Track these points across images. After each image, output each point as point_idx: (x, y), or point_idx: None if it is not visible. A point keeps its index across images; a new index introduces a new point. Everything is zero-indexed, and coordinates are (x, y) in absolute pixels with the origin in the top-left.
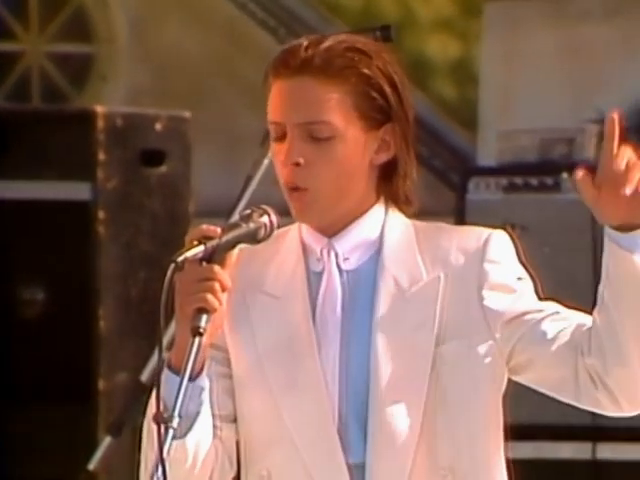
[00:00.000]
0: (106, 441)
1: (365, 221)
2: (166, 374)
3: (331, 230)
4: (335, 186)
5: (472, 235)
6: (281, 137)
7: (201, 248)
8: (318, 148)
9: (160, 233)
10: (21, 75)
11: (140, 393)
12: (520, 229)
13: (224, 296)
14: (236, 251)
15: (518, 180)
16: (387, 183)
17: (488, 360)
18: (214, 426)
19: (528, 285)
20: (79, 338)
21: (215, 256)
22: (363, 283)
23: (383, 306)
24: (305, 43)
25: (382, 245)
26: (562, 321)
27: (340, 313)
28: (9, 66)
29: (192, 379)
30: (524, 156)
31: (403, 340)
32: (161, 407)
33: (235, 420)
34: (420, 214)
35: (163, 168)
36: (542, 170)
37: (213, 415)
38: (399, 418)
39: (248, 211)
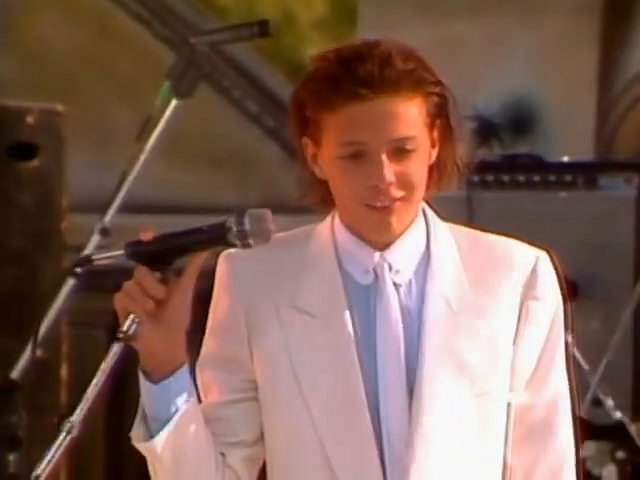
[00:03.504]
0: None
1: (413, 230)
2: (139, 378)
3: (383, 243)
4: (419, 195)
5: (517, 260)
6: (356, 155)
7: (118, 252)
8: (403, 162)
9: (31, 229)
10: None
11: (10, 390)
12: None
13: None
14: (203, 256)
15: None
16: (430, 183)
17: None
18: (221, 453)
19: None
20: None
21: (158, 260)
22: (413, 297)
23: (433, 327)
24: (369, 61)
25: (430, 257)
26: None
27: (402, 336)
28: None
29: (156, 382)
30: None
31: (451, 361)
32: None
33: (251, 444)
34: None
35: (35, 162)
36: None
37: (220, 442)
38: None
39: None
